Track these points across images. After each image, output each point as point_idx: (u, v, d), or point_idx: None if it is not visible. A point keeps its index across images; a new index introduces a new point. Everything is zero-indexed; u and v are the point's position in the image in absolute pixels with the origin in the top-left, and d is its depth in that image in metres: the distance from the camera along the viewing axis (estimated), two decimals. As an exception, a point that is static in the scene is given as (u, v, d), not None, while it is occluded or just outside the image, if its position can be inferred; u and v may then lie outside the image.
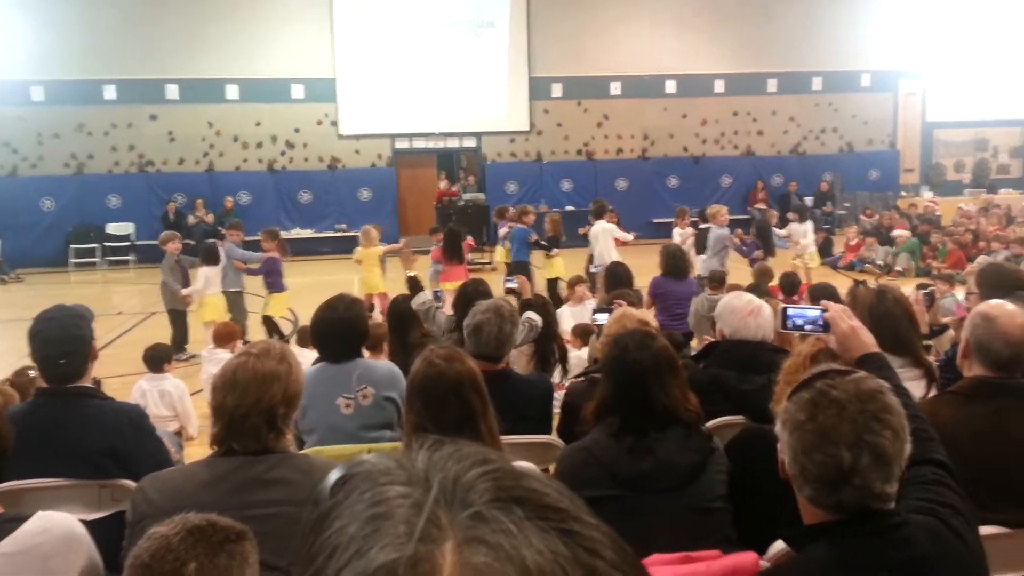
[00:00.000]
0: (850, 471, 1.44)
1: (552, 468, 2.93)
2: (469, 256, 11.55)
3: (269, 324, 8.73)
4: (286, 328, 9.49)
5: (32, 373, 3.55)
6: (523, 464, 2.37)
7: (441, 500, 0.52)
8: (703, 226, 10.36)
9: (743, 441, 2.50)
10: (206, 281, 8.58)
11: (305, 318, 9.27)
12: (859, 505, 1.47)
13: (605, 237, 10.19)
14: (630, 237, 10.99)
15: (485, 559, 0.48)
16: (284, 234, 14.28)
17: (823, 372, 1.55)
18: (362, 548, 0.51)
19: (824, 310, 2.35)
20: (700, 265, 9.55)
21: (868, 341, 2.25)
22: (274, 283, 8.81)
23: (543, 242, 10.21)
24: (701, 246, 10.01)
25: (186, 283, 8.75)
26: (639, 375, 2.41)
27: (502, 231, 11.39)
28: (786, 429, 1.53)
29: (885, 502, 1.48)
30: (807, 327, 2.41)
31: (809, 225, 11.86)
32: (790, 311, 2.45)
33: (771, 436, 2.32)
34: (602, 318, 4.89)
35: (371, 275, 9.58)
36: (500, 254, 11.75)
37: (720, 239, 9.57)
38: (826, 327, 2.32)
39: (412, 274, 5.54)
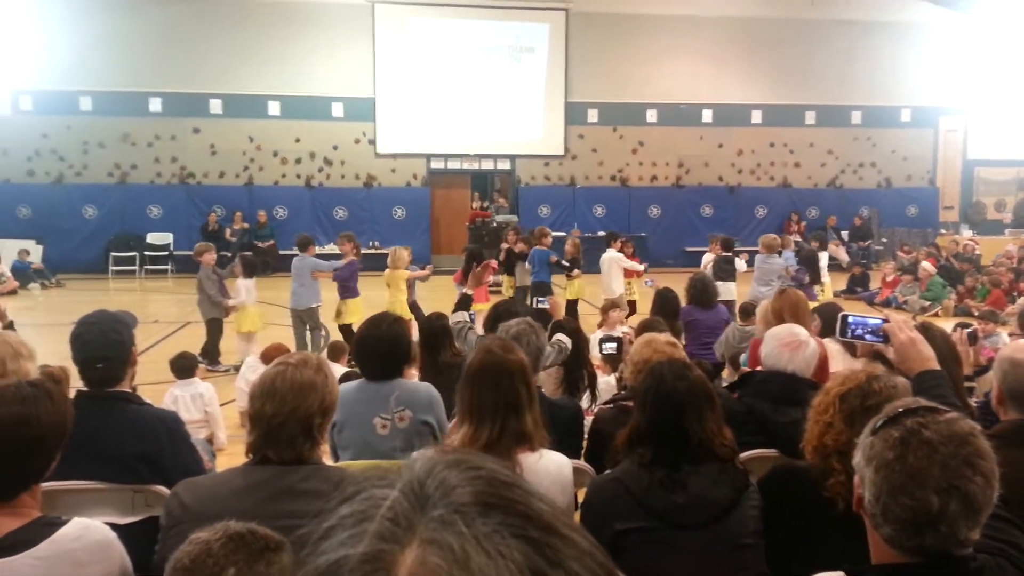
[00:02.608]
0: (937, 517, 1.37)
1: (581, 495, 2.90)
2: (490, 279, 11.52)
3: (347, 333, 8.19)
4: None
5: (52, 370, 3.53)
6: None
7: (414, 502, 0.54)
8: (724, 254, 10.29)
9: (775, 478, 2.46)
10: (247, 292, 8.77)
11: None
12: (940, 551, 1.40)
13: (612, 266, 10.24)
14: (640, 267, 11.05)
15: (436, 560, 0.50)
16: (318, 250, 14.40)
17: (913, 408, 1.46)
18: (325, 546, 0.54)
19: (885, 320, 2.30)
20: (731, 293, 9.52)
21: (928, 354, 2.18)
22: (350, 288, 8.71)
23: (565, 262, 10.25)
24: (720, 273, 9.84)
25: (223, 293, 8.83)
26: (674, 406, 2.35)
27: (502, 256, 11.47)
28: (870, 466, 1.44)
29: (966, 548, 1.42)
30: (867, 336, 2.35)
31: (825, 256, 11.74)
32: (851, 319, 2.39)
33: (804, 473, 2.29)
34: (609, 347, 4.88)
35: (397, 301, 8.94)
36: (508, 282, 11.75)
37: (776, 269, 9.54)
38: (886, 338, 2.25)
39: (468, 292, 5.38)
